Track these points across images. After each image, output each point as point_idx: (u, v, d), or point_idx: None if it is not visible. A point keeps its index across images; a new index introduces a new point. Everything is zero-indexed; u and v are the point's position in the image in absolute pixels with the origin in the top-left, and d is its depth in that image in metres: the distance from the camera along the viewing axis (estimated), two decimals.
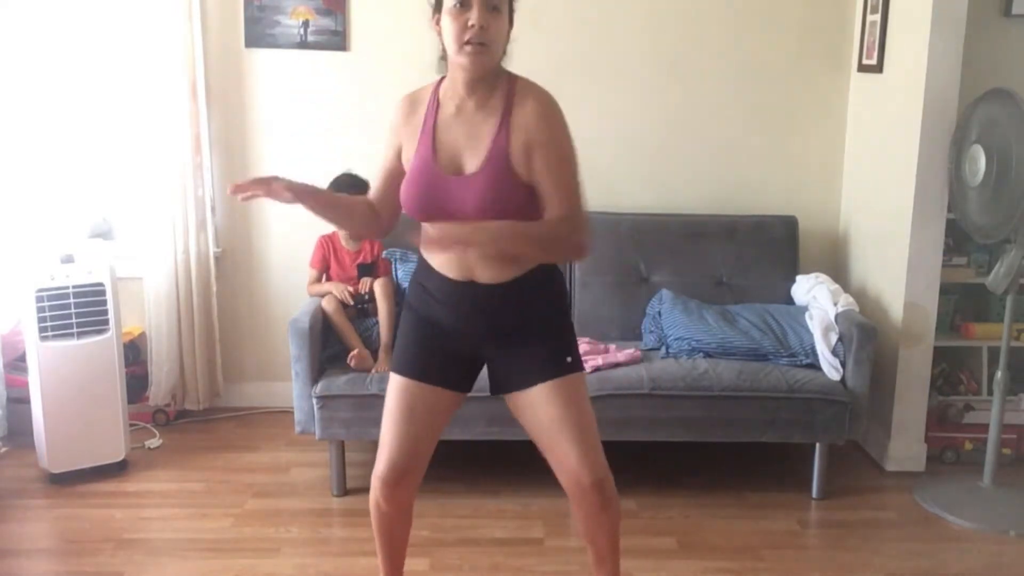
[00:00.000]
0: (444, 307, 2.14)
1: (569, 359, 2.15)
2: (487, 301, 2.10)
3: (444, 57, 2.06)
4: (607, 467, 2.16)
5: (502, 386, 2.20)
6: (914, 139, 3.33)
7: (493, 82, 2.04)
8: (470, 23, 1.93)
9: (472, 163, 2.03)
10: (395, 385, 2.20)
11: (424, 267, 2.18)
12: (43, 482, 3.33)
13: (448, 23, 1.96)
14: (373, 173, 2.23)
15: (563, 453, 2.13)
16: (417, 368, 2.17)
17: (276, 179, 2.08)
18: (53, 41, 3.72)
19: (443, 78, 2.10)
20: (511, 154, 2.00)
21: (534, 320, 2.15)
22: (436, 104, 2.08)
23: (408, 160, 2.10)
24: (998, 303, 3.48)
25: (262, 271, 3.99)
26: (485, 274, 2.08)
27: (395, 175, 2.16)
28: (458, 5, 1.94)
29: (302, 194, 2.10)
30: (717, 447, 3.51)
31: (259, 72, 3.84)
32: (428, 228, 2.08)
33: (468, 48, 1.95)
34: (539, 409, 2.13)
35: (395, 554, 2.39)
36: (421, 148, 2.07)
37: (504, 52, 2.04)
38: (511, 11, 2.03)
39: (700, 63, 3.88)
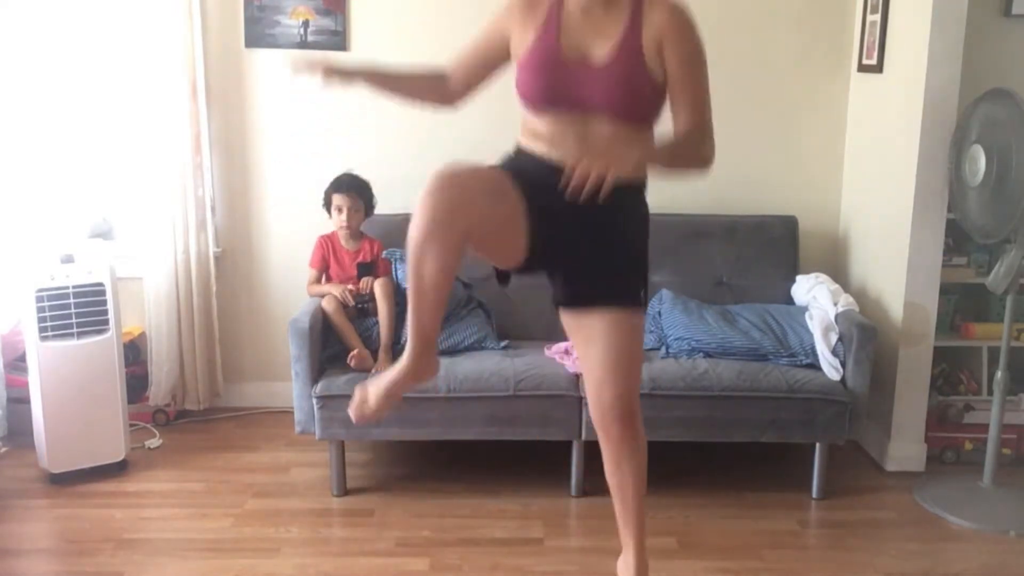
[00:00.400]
0: (552, 177, 2.00)
1: (642, 294, 2.18)
2: (594, 197, 1.92)
3: None
4: (637, 402, 2.22)
5: (571, 298, 2.17)
6: (914, 139, 3.33)
7: None
8: None
9: (601, 53, 2.04)
10: (488, 169, 2.05)
11: (527, 153, 2.14)
12: (43, 482, 3.33)
13: None
14: (453, 56, 2.25)
15: (602, 383, 2.17)
16: (514, 171, 2.06)
17: (331, 67, 2.12)
18: (53, 41, 3.72)
19: None
20: (644, 47, 2.03)
21: (627, 234, 2.14)
22: (560, 2, 2.08)
23: (522, 48, 2.09)
24: (998, 303, 3.48)
25: (262, 271, 3.99)
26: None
27: (488, 55, 2.19)
28: None
29: (354, 76, 2.14)
30: (717, 447, 3.51)
31: (259, 72, 3.84)
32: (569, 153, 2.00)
33: None
34: (592, 333, 2.15)
35: (424, 319, 2.01)
36: (545, 36, 2.07)
37: None
38: None
39: None
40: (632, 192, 2.14)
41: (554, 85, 2.06)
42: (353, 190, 3.46)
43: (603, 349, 2.15)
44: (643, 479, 2.31)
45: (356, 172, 3.49)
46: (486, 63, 2.23)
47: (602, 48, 2.05)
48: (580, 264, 2.14)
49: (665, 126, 2.14)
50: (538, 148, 2.12)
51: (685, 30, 2.06)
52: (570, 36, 2.07)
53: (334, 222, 3.48)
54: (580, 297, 2.17)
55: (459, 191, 1.91)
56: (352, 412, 2.12)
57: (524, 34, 2.11)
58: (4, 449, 3.58)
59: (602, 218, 2.07)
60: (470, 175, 1.95)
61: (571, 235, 2.08)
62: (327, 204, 3.48)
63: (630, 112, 2.06)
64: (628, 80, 2.03)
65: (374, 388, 2.08)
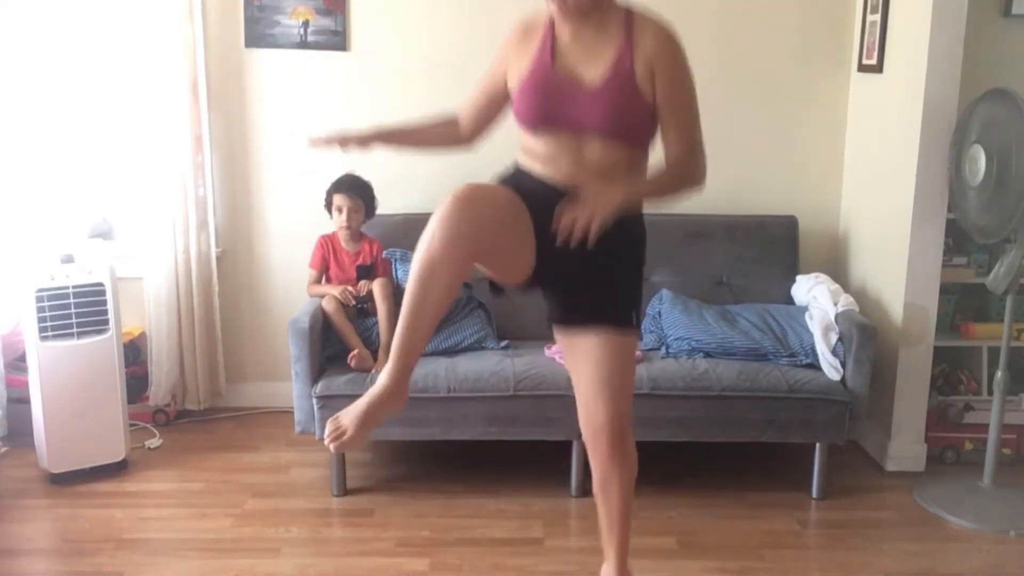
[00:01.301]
0: (553, 197, 2.05)
1: (634, 317, 2.21)
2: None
3: None
4: (629, 422, 2.26)
5: (565, 316, 2.21)
6: (914, 139, 3.33)
7: (607, 11, 2.09)
8: None
9: (593, 76, 2.07)
10: (491, 187, 2.07)
11: (526, 173, 2.17)
12: (43, 482, 3.33)
13: None
14: (463, 100, 2.32)
15: (595, 403, 2.21)
16: (517, 186, 2.10)
17: (346, 136, 2.21)
18: (53, 41, 3.71)
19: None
20: (635, 71, 2.05)
21: (621, 254, 2.16)
22: (552, 31, 2.11)
23: (518, 79, 2.14)
24: (998, 303, 3.48)
25: (262, 271, 3.99)
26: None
27: (492, 94, 2.25)
28: None
29: (370, 140, 2.24)
30: (717, 447, 3.51)
31: (259, 72, 3.84)
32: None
33: None
34: (587, 355, 2.19)
35: (414, 335, 2.02)
36: (540, 60, 2.10)
37: None
38: None
39: (699, 63, 3.82)
40: (628, 217, 2.14)
41: (548, 106, 2.09)
42: (354, 190, 3.46)
43: (595, 369, 2.19)
44: (630, 496, 2.36)
45: (357, 173, 3.49)
46: (492, 101, 2.27)
47: (595, 71, 2.08)
48: (575, 284, 2.17)
49: (658, 147, 2.17)
50: (536, 167, 2.15)
51: (674, 53, 2.10)
52: (564, 60, 2.10)
53: (334, 222, 3.48)
54: (574, 316, 2.21)
55: (480, 211, 1.94)
56: (329, 444, 2.07)
57: (520, 62, 2.16)
58: (4, 449, 3.58)
59: (598, 241, 2.07)
60: (490, 196, 1.99)
61: (567, 255, 2.07)
62: (328, 204, 3.48)
63: (623, 134, 2.09)
64: (620, 103, 2.06)
65: (348, 418, 2.05)
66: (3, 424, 3.57)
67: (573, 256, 2.03)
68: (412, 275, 1.98)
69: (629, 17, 2.09)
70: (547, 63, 2.10)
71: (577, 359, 2.24)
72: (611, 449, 2.25)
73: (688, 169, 2.12)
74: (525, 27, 2.19)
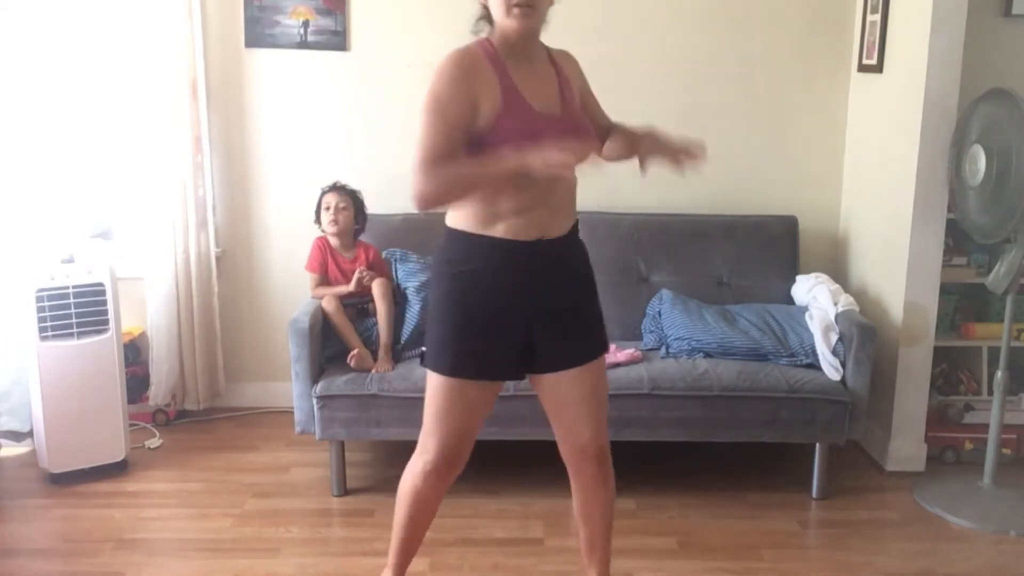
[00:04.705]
0: (509, 279, 2.09)
1: (604, 336, 2.27)
2: (558, 254, 2.14)
3: (483, 18, 2.10)
4: (608, 440, 2.28)
5: (543, 365, 2.20)
6: (914, 139, 3.33)
7: (537, 40, 2.14)
8: None
9: (556, 107, 2.11)
10: (443, 384, 2.15)
11: (476, 247, 2.08)
12: (43, 482, 3.33)
13: None
14: (435, 146, 2.00)
15: (578, 426, 2.23)
16: (467, 367, 2.13)
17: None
18: (53, 41, 3.71)
19: (486, 39, 2.09)
20: (576, 94, 2.19)
21: (587, 274, 2.24)
22: (499, 59, 2.07)
23: (491, 113, 2.01)
24: (998, 303, 3.48)
25: (262, 271, 3.99)
26: (556, 226, 2.12)
27: (466, 136, 2.11)
28: None
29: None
30: (717, 447, 3.51)
31: (259, 72, 3.84)
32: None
33: (516, 11, 2.00)
34: (571, 387, 2.20)
35: (414, 545, 2.40)
36: (513, 99, 2.04)
37: (546, 17, 2.11)
38: None
39: (700, 63, 3.88)
40: (575, 237, 2.23)
41: (542, 142, 1.99)
42: (340, 189, 3.47)
43: (578, 391, 2.21)
44: (612, 514, 2.37)
45: (344, 183, 3.50)
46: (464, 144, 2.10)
47: (554, 101, 2.12)
48: (554, 332, 2.17)
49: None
50: (496, 229, 2.06)
51: (577, 64, 2.27)
52: (532, 96, 2.07)
53: (325, 225, 3.46)
54: (555, 361, 2.19)
55: (468, 442, 2.23)
56: None
57: (490, 99, 2.02)
58: (4, 449, 3.58)
59: (575, 268, 2.21)
60: (468, 429, 2.21)
61: (540, 323, 2.15)
62: (317, 213, 3.47)
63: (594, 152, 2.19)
64: (584, 121, 2.15)
65: None
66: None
67: (548, 312, 2.14)
68: (402, 506, 2.29)
69: (545, 47, 2.19)
70: (523, 99, 2.04)
71: (556, 393, 2.23)
72: (597, 466, 2.27)
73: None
74: (467, 58, 2.03)
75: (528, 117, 2.03)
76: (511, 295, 2.11)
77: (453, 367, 2.13)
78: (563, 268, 2.18)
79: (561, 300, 2.17)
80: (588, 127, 2.15)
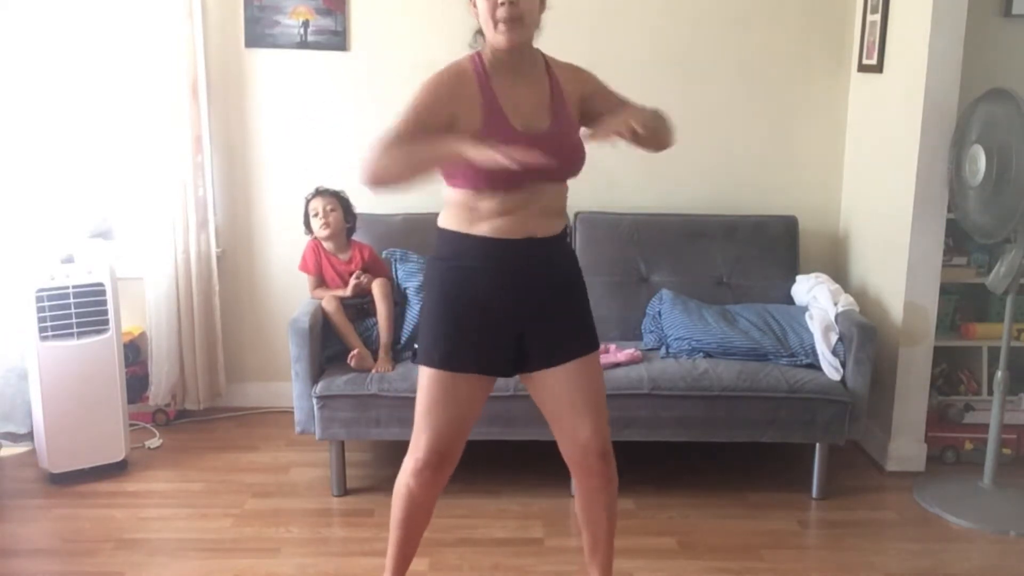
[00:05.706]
0: (499, 275, 2.13)
1: (594, 334, 2.27)
2: (547, 253, 2.16)
3: (480, 32, 2.11)
4: (609, 437, 2.26)
5: (534, 362, 2.21)
6: (914, 139, 3.33)
7: (532, 51, 2.14)
8: (500, 1, 2.00)
9: (543, 121, 2.10)
10: (434, 378, 2.17)
11: (465, 244, 2.12)
12: (43, 482, 3.33)
13: (481, 2, 2.03)
14: (396, 131, 2.08)
15: (578, 424, 2.22)
16: (457, 360, 2.15)
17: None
18: (53, 41, 3.71)
19: (477, 53, 2.12)
20: (569, 105, 2.16)
21: (576, 277, 2.26)
22: (486, 76, 2.09)
23: (470, 131, 2.03)
24: (998, 303, 3.48)
25: (262, 271, 3.99)
26: (542, 227, 2.14)
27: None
28: None
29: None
30: (717, 447, 3.51)
31: (259, 72, 3.84)
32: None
33: (501, 27, 2.01)
34: (564, 384, 2.20)
35: (411, 547, 2.39)
36: (493, 118, 2.06)
37: (538, 25, 2.11)
38: None
39: (700, 63, 3.88)
40: (565, 232, 2.24)
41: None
42: (325, 193, 3.46)
43: (577, 389, 2.21)
44: (615, 516, 2.36)
45: (328, 186, 3.49)
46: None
47: (543, 117, 2.11)
48: (545, 328, 2.19)
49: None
50: (481, 228, 2.11)
51: (588, 74, 2.23)
52: (513, 112, 2.09)
53: (316, 230, 3.45)
54: (548, 356, 2.21)
55: (459, 440, 2.23)
56: None
57: (471, 116, 2.06)
58: (4, 449, 3.58)
59: (562, 271, 2.23)
60: (459, 434, 2.22)
61: (530, 319, 2.17)
62: (306, 222, 3.47)
63: (575, 170, 2.16)
64: (573, 138, 2.12)
65: None
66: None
67: (539, 309, 2.16)
68: (397, 508, 2.30)
69: (544, 58, 2.18)
70: (503, 118, 2.07)
71: (552, 391, 2.23)
72: (600, 465, 2.25)
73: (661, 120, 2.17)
74: (454, 73, 2.09)
75: (507, 137, 2.02)
76: (500, 290, 2.14)
77: (443, 360, 2.16)
78: (551, 267, 2.20)
79: (549, 298, 2.19)
80: (575, 143, 2.11)
